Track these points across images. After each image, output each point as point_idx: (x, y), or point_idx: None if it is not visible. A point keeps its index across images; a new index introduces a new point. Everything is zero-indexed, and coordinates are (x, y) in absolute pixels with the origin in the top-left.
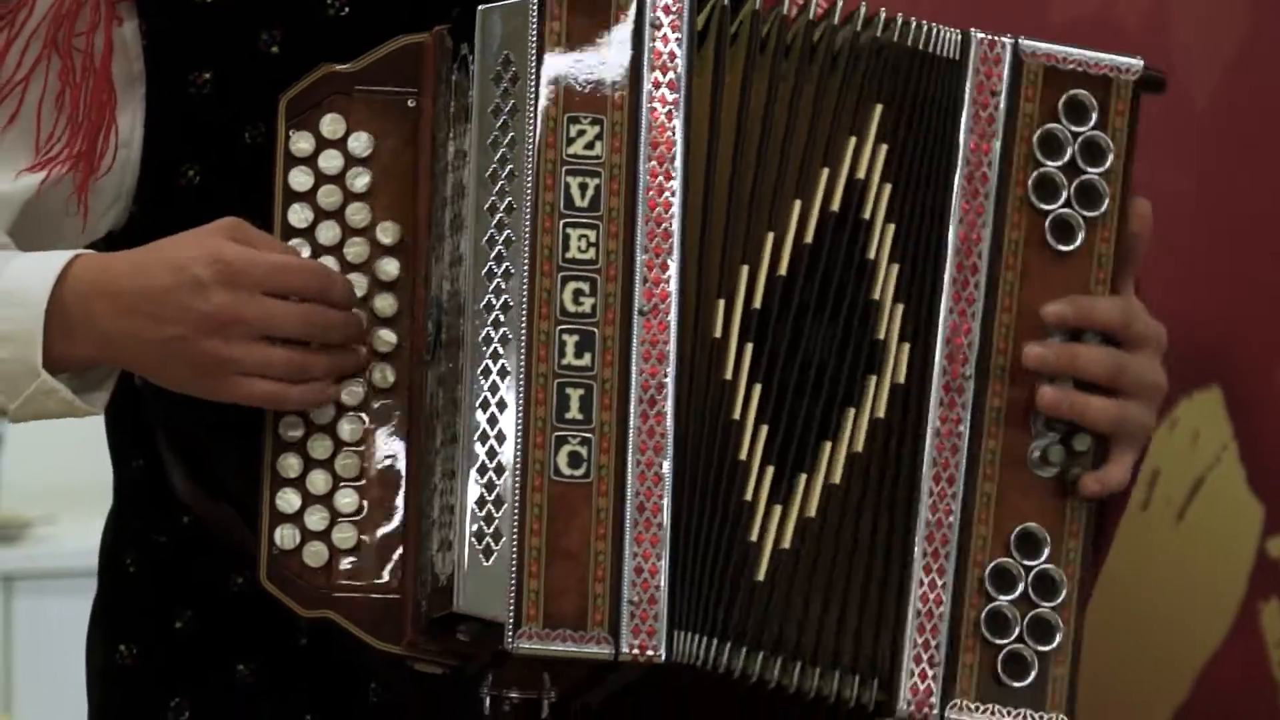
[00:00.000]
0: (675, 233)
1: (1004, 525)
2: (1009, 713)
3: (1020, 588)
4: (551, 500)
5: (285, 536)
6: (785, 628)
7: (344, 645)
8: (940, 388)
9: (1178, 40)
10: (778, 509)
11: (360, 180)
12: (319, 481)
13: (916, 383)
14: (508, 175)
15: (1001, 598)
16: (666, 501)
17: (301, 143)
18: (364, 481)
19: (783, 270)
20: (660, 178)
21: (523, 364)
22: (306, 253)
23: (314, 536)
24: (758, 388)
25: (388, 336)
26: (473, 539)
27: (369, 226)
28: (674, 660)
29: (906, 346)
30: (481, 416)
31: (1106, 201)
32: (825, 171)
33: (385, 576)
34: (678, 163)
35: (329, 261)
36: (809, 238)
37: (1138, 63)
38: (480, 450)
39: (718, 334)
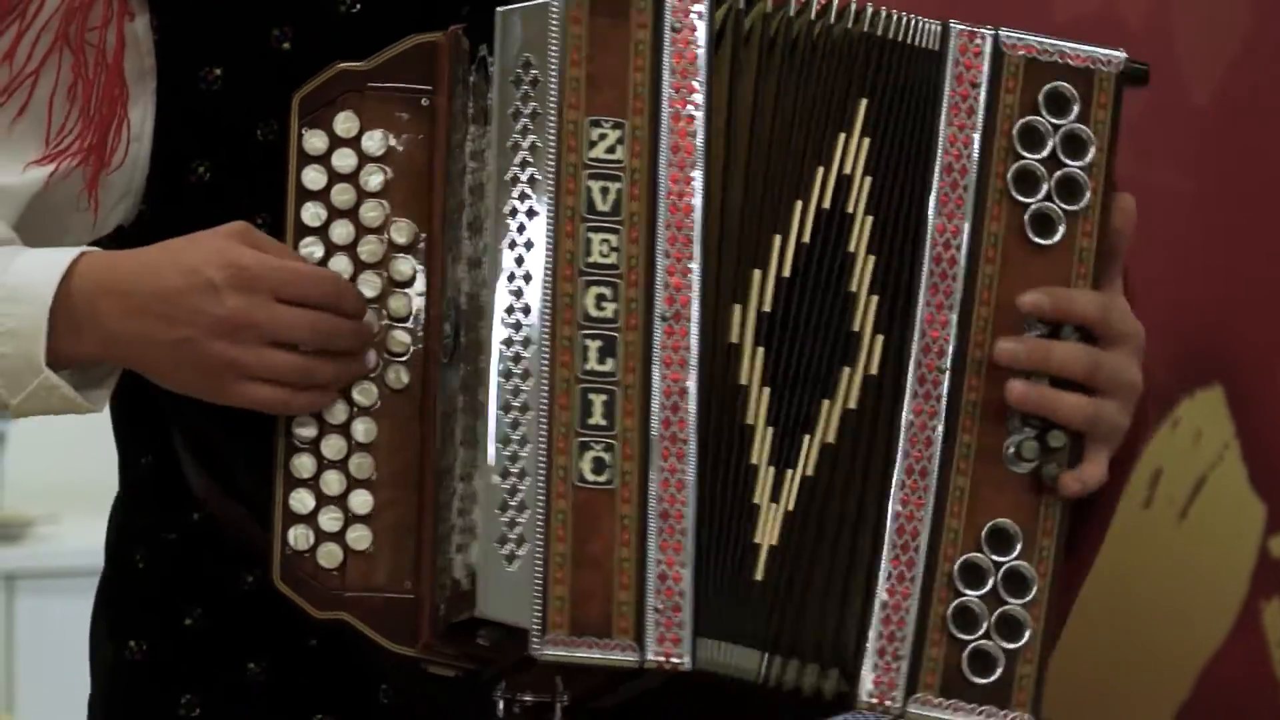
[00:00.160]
0: (696, 237)
1: (976, 520)
2: (973, 709)
3: (990, 583)
4: (576, 506)
5: (299, 537)
6: (773, 623)
7: (355, 647)
8: (915, 380)
9: (1179, 38)
10: (773, 507)
11: (374, 179)
12: (333, 482)
13: (891, 375)
14: (528, 179)
15: (970, 593)
16: (690, 507)
17: (315, 140)
18: (378, 482)
19: (787, 272)
20: (681, 182)
21: (545, 369)
22: (320, 252)
23: (327, 537)
24: (766, 391)
25: (402, 337)
26: (495, 544)
27: (383, 225)
28: (699, 668)
29: (880, 339)
30: (504, 420)
31: (1088, 195)
32: (820, 170)
33: (400, 578)
34: (698, 166)
35: (342, 260)
36: (806, 237)
37: (1120, 55)
38: (503, 454)
39: (734, 339)
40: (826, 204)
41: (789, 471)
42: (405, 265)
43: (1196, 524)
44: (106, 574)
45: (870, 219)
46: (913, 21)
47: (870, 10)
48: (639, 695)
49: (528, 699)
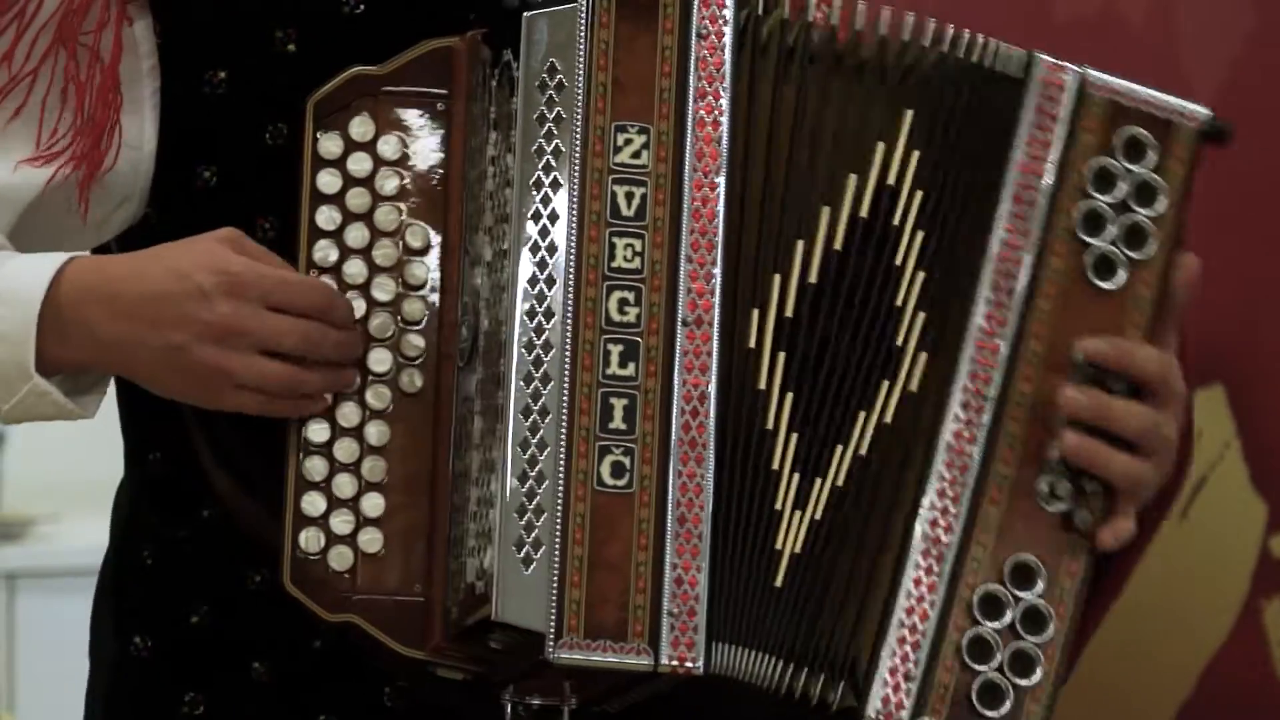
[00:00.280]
0: (719, 243)
1: (1002, 552)
2: None
3: (1008, 617)
4: (594, 510)
5: (310, 539)
6: (790, 631)
7: (361, 649)
8: (959, 404)
9: (1181, 37)
10: (798, 514)
11: (389, 183)
12: (345, 485)
13: (933, 394)
14: (552, 183)
15: (988, 624)
16: (707, 512)
17: (330, 144)
18: (390, 485)
19: (813, 278)
20: (705, 188)
21: (567, 373)
22: (334, 255)
23: (339, 540)
24: (789, 396)
25: (416, 340)
26: (511, 547)
27: (398, 229)
28: (712, 672)
29: (924, 356)
30: (523, 423)
31: (1153, 245)
32: (853, 178)
33: (410, 581)
34: (722, 173)
35: (357, 263)
36: (838, 244)
37: (1205, 112)
38: (522, 458)
39: (752, 344)
40: (864, 213)
41: (818, 480)
42: (420, 269)
43: (1197, 523)
44: (111, 569)
45: (921, 234)
46: (996, 46)
47: (951, 32)
48: (647, 698)
49: (535, 703)
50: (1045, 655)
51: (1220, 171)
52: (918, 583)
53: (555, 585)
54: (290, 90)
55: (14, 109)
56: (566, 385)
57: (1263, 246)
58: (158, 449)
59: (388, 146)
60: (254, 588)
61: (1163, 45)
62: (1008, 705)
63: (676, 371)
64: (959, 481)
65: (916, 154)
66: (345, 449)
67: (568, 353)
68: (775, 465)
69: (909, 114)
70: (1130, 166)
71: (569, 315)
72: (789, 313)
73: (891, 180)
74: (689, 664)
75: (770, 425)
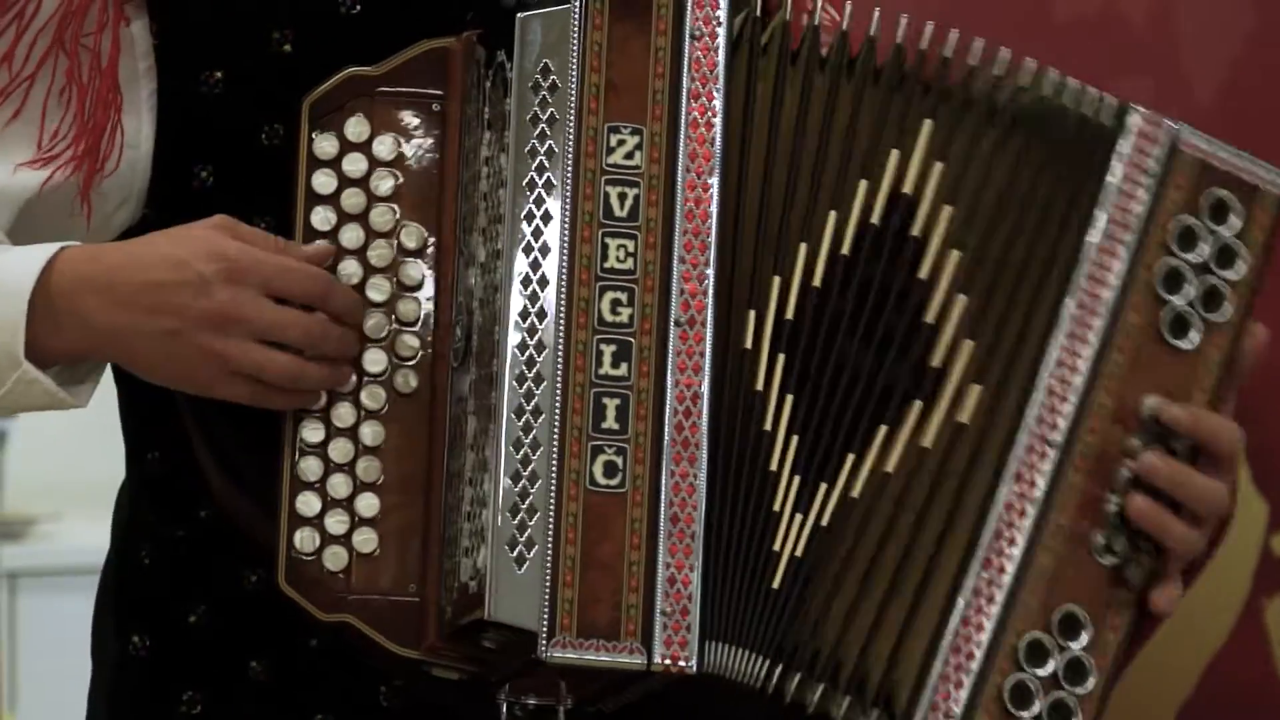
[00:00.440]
0: (712, 244)
1: (1052, 601)
2: None
3: (1051, 666)
4: (587, 510)
5: (304, 540)
6: (803, 641)
7: (356, 648)
8: (1024, 449)
9: (1182, 37)
10: (799, 518)
11: (385, 183)
12: (339, 485)
13: (993, 432)
14: (545, 184)
15: (1031, 671)
16: (700, 512)
17: (325, 145)
18: (385, 485)
19: (817, 281)
20: (698, 189)
21: (559, 373)
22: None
23: (334, 540)
24: (789, 399)
25: (411, 341)
26: (505, 547)
27: (393, 230)
28: (704, 671)
29: (976, 389)
30: (516, 423)
31: (1229, 309)
32: (863, 184)
33: (405, 581)
34: (716, 174)
35: (352, 264)
36: (846, 249)
37: None
38: (515, 457)
39: (748, 345)
40: (875, 219)
41: (823, 485)
42: (415, 270)
43: None
44: (111, 569)
45: (956, 254)
46: (1088, 91)
47: (1034, 67)
48: (642, 697)
49: (531, 702)
50: (1083, 708)
51: None
52: (966, 623)
53: (548, 584)
54: (287, 90)
55: (13, 111)
56: (559, 385)
57: None
58: (156, 448)
59: (383, 147)
60: (251, 587)
61: (1163, 45)
62: None
63: (669, 372)
64: (1016, 526)
65: (940, 166)
66: (340, 449)
67: (560, 353)
68: (773, 467)
69: (927, 124)
70: (1214, 228)
71: (562, 315)
72: (789, 315)
73: (908, 189)
74: (682, 663)
75: (768, 427)
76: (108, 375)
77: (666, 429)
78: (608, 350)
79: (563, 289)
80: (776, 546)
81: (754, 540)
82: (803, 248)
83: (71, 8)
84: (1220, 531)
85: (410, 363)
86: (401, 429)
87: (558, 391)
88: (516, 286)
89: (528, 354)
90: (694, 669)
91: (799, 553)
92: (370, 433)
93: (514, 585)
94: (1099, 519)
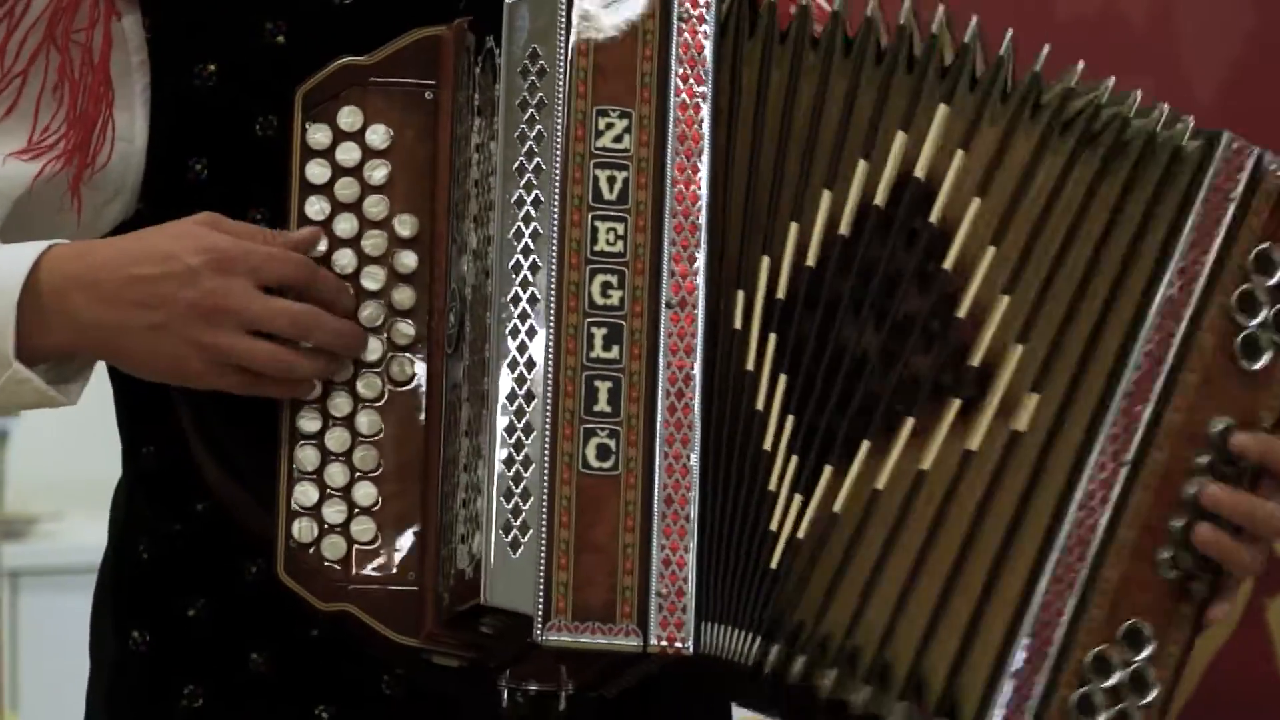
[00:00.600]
0: (702, 225)
1: (1118, 614)
2: None
3: (1115, 679)
4: (580, 492)
5: (303, 529)
6: (806, 624)
7: (356, 637)
8: (1095, 465)
9: (1182, 37)
10: (799, 498)
11: (378, 173)
12: (337, 474)
13: (1052, 442)
14: (535, 168)
15: (1096, 684)
16: (694, 493)
17: (319, 135)
18: (382, 474)
19: (811, 261)
20: (688, 171)
21: (551, 357)
22: (323, 246)
23: (332, 530)
24: (782, 378)
25: (406, 329)
26: (499, 531)
27: (387, 219)
28: (701, 653)
29: (1034, 398)
30: (509, 408)
31: None
32: (863, 164)
33: (404, 569)
34: (705, 156)
35: (346, 254)
36: (844, 229)
37: None
38: (508, 442)
39: (737, 325)
40: (879, 201)
41: (827, 467)
42: (409, 258)
43: None
44: (108, 566)
45: (992, 250)
46: (1175, 118)
47: (1110, 88)
48: (641, 681)
49: (532, 688)
50: (1147, 715)
51: None
52: (1036, 635)
53: (542, 568)
54: (280, 82)
55: (6, 108)
56: (551, 369)
57: None
58: (151, 443)
59: (376, 136)
60: (251, 578)
61: (1163, 45)
62: None
63: (661, 354)
64: (1085, 541)
65: (961, 154)
66: (337, 439)
67: (552, 337)
68: (767, 447)
69: (942, 109)
70: None
71: (552, 299)
72: (781, 295)
73: (920, 173)
74: (678, 644)
75: (760, 407)
76: (106, 375)
77: (659, 411)
78: (599, 333)
79: (553, 273)
80: (774, 527)
81: (749, 521)
82: (794, 227)
83: (62, 4)
84: None
85: (406, 351)
86: (398, 417)
87: (549, 375)
88: (507, 272)
89: (519, 339)
90: (690, 650)
91: (800, 534)
92: (367, 422)
93: (509, 570)
94: (1164, 535)
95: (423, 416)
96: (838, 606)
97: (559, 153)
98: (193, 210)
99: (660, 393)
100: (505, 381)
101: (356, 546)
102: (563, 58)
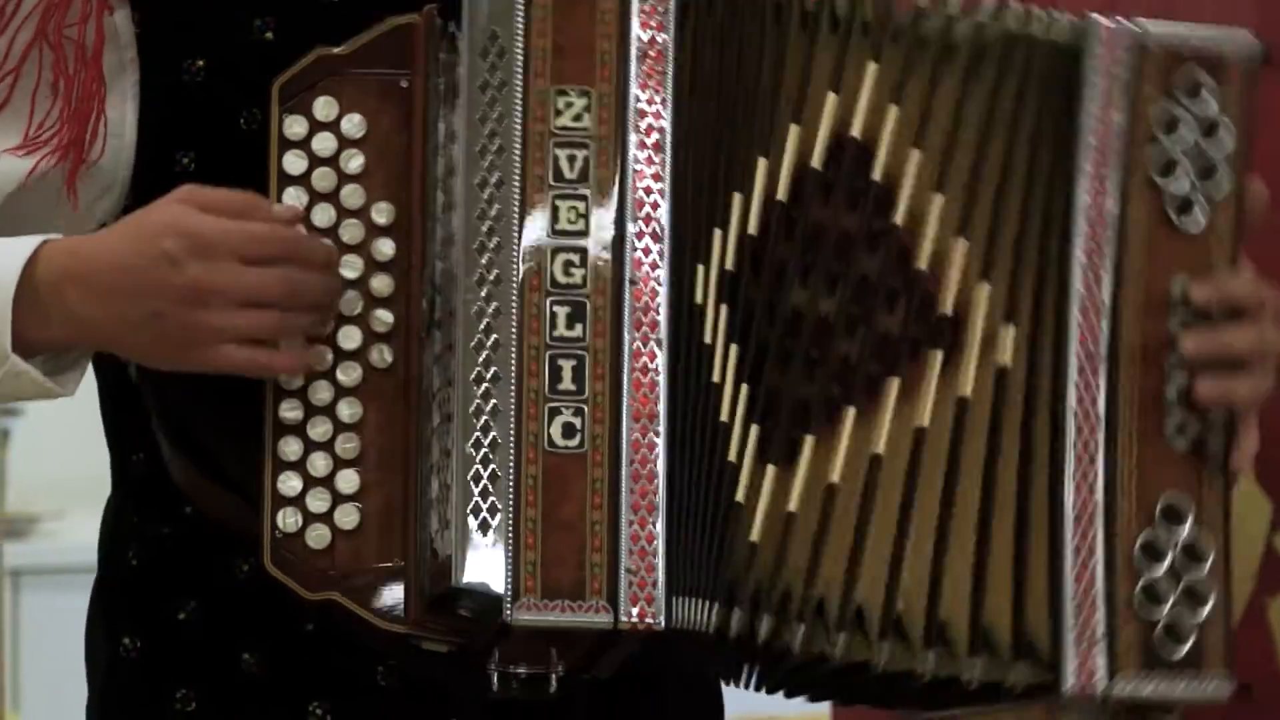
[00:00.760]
0: (664, 202)
1: (1147, 499)
2: (1174, 681)
3: (1169, 558)
4: (546, 471)
5: (288, 520)
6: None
7: (347, 628)
8: (1076, 370)
9: None
10: (771, 469)
11: (354, 162)
12: (319, 464)
13: (1034, 367)
14: (497, 150)
15: (1152, 570)
16: (660, 468)
17: (295, 126)
18: (364, 462)
19: (752, 229)
20: (649, 149)
21: (514, 337)
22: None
23: (316, 519)
24: (734, 349)
25: (384, 316)
26: (469, 514)
27: (364, 207)
28: (673, 627)
29: (1010, 330)
30: (476, 391)
31: (1226, 180)
32: (794, 128)
33: (388, 556)
34: (668, 134)
35: (325, 243)
36: (782, 195)
37: (1253, 41)
38: (475, 425)
39: (699, 299)
40: (815, 163)
41: (808, 437)
42: (386, 246)
43: None
44: (99, 574)
45: (940, 197)
46: (1044, 15)
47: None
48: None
49: (521, 671)
50: (1212, 584)
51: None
52: (1078, 551)
53: (510, 548)
54: (268, 77)
55: None
56: (514, 349)
57: (1266, 244)
58: (140, 450)
59: (351, 125)
60: (242, 576)
61: None
62: (1191, 641)
63: (625, 330)
64: (1091, 445)
65: (895, 109)
66: (319, 428)
67: (514, 317)
68: (724, 418)
69: (872, 66)
70: (1192, 107)
71: (515, 280)
72: (730, 266)
73: (854, 132)
74: (649, 620)
75: (716, 379)
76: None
77: (625, 387)
78: (561, 312)
79: (514, 253)
80: (740, 497)
81: (713, 492)
82: (737, 197)
83: (53, 1)
84: None
85: (384, 338)
86: (379, 405)
87: (513, 356)
88: (472, 253)
89: (485, 321)
90: (662, 625)
91: (791, 506)
92: (347, 410)
93: (479, 551)
94: (1164, 409)
95: (403, 403)
96: (868, 571)
97: (519, 133)
98: None
99: (625, 369)
100: (471, 363)
101: (341, 535)
102: (521, 38)
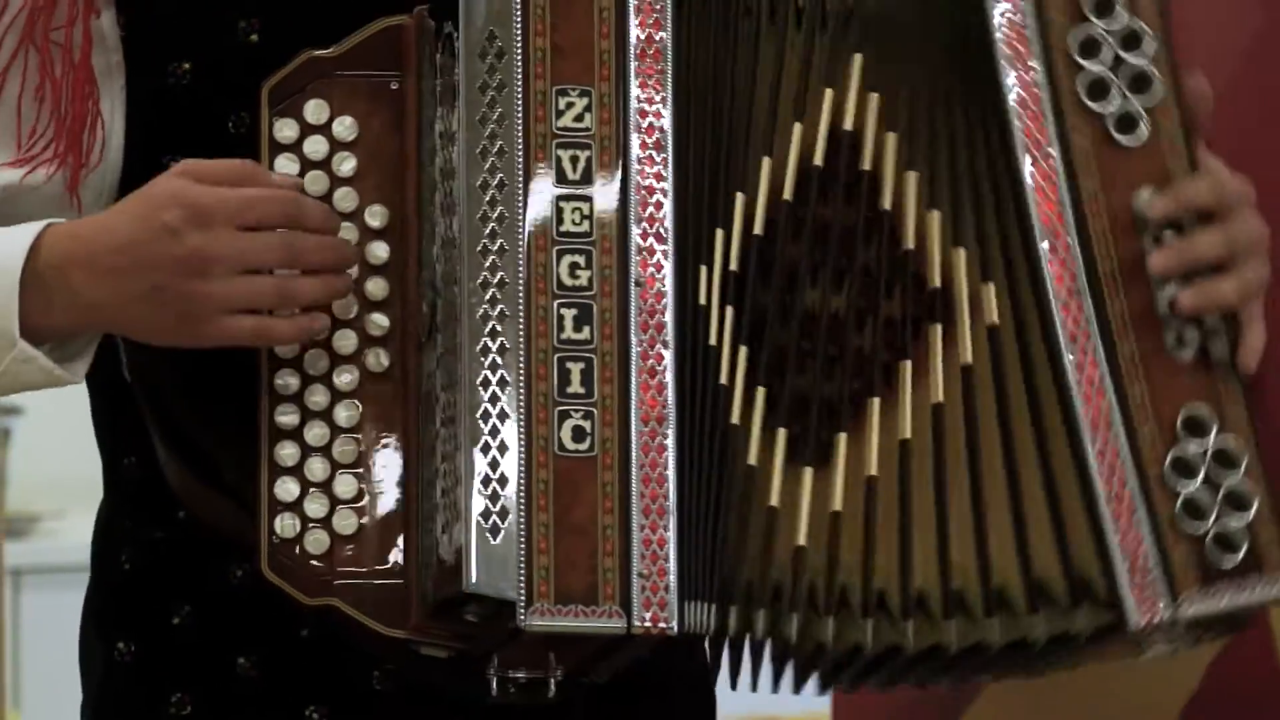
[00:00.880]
0: (668, 202)
1: (1165, 416)
2: (1238, 589)
3: (1203, 470)
4: (557, 475)
5: (285, 525)
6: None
7: (345, 634)
8: (1061, 309)
9: (1190, 31)
10: (808, 470)
11: (346, 164)
12: (317, 468)
13: (1023, 319)
14: (498, 151)
15: (1189, 486)
16: (671, 472)
17: (286, 130)
18: (362, 467)
19: (758, 229)
20: (650, 148)
21: (522, 340)
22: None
23: (314, 524)
24: (743, 350)
25: (380, 320)
26: (479, 519)
27: (357, 211)
28: (685, 632)
29: (990, 287)
30: (483, 394)
31: (1160, 85)
32: (798, 126)
33: (388, 561)
34: (668, 133)
35: None
36: (787, 194)
37: None
38: (483, 428)
39: (703, 300)
40: (818, 160)
41: (841, 435)
42: (380, 249)
43: None
44: (92, 578)
45: (915, 175)
46: None
47: None
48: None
49: (520, 676)
50: (1251, 485)
51: (1233, 165)
52: (1109, 483)
53: (523, 553)
54: (255, 79)
55: None
56: (522, 353)
57: (1271, 243)
58: (132, 453)
59: (343, 128)
60: (237, 581)
61: None
62: (1245, 546)
63: (632, 332)
64: (1095, 378)
65: (876, 96)
66: (315, 432)
67: (521, 320)
68: (735, 420)
69: (857, 58)
70: (1106, 24)
71: (521, 282)
72: (734, 267)
73: (849, 125)
74: (663, 624)
75: (724, 381)
76: None
77: (633, 390)
78: (568, 314)
79: (520, 255)
80: (774, 501)
81: (727, 495)
82: (740, 198)
83: (39, 2)
84: None
85: (381, 341)
86: (376, 409)
87: (521, 359)
88: (476, 256)
89: (490, 324)
90: (675, 630)
91: (835, 505)
92: (344, 414)
93: (491, 556)
94: (1158, 323)
95: (401, 407)
96: (919, 556)
97: (520, 134)
98: None
99: (634, 371)
100: (478, 367)
101: (339, 540)
102: (520, 38)
